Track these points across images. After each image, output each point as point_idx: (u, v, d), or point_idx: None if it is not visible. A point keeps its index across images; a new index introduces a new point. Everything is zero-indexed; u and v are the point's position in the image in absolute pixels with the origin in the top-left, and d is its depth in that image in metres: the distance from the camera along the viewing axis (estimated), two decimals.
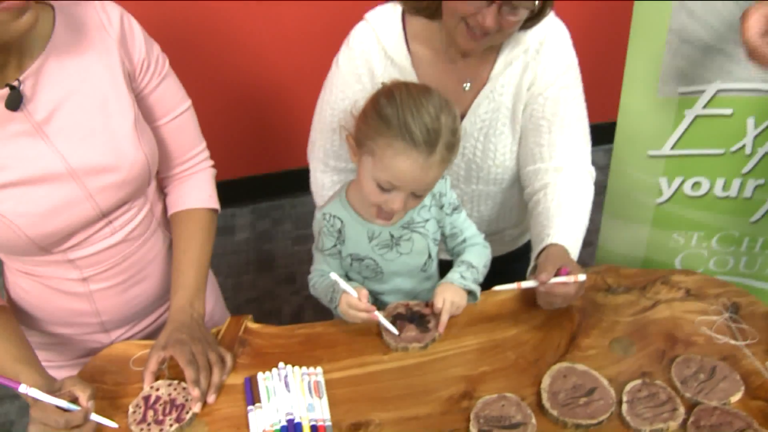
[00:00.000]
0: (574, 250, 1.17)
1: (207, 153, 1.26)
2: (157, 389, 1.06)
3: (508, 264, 1.46)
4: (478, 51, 1.21)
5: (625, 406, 0.95)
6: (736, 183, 1.56)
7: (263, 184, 2.67)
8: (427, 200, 1.18)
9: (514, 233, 1.51)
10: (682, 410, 0.94)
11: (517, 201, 1.42)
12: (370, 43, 1.25)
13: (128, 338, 1.25)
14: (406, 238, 1.17)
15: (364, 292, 1.10)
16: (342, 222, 1.16)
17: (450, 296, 1.12)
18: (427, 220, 1.19)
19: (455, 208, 1.22)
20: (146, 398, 1.05)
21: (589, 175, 1.30)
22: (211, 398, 1.04)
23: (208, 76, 2.32)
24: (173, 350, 1.04)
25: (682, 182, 1.58)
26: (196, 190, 1.24)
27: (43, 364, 1.18)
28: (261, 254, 2.46)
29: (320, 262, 1.22)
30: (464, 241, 1.23)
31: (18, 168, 0.97)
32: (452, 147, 1.04)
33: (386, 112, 1.01)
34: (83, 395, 0.97)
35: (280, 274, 2.33)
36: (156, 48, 1.12)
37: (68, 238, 1.06)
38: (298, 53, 2.41)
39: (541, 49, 1.24)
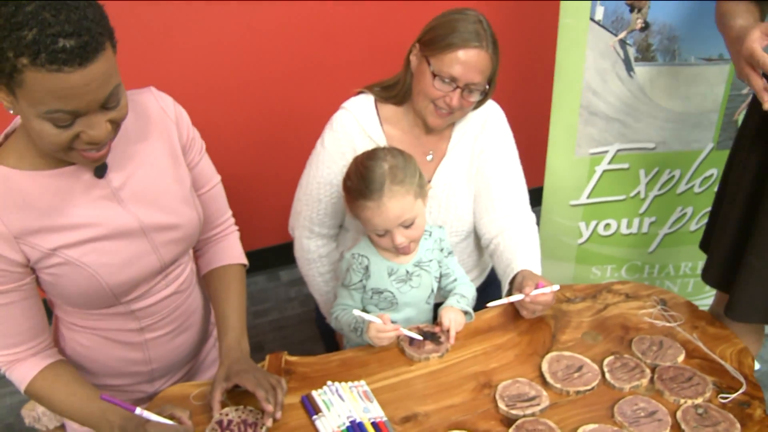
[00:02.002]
0: (538, 273, 1.49)
1: (233, 219, 1.47)
2: (227, 414, 1.21)
3: None
4: (443, 126, 1.53)
5: (607, 375, 1.26)
6: (636, 222, 1.98)
7: None
8: (431, 244, 1.45)
9: (471, 276, 1.76)
10: (648, 371, 1.26)
11: (472, 249, 1.71)
12: (352, 126, 1.53)
13: (169, 386, 1.39)
14: (417, 274, 1.43)
15: (387, 316, 1.34)
16: (369, 260, 1.41)
17: (453, 315, 1.38)
18: (431, 260, 1.45)
19: (450, 253, 1.50)
20: (219, 422, 1.19)
21: (532, 217, 1.62)
22: (278, 414, 1.18)
23: None
24: (238, 379, 1.20)
25: (597, 224, 1.97)
26: (230, 249, 1.43)
27: None
28: None
29: (345, 297, 1.45)
30: (455, 280, 1.49)
31: (101, 226, 1.13)
32: (401, 182, 1.30)
33: (347, 186, 1.37)
34: (184, 415, 1.12)
35: (249, 344, 2.44)
36: (196, 130, 1.34)
37: (135, 288, 1.22)
38: (242, 158, 2.68)
39: (485, 124, 1.58)
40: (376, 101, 1.56)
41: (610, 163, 1.85)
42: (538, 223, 1.63)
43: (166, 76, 2.34)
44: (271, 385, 1.20)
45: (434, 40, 1.41)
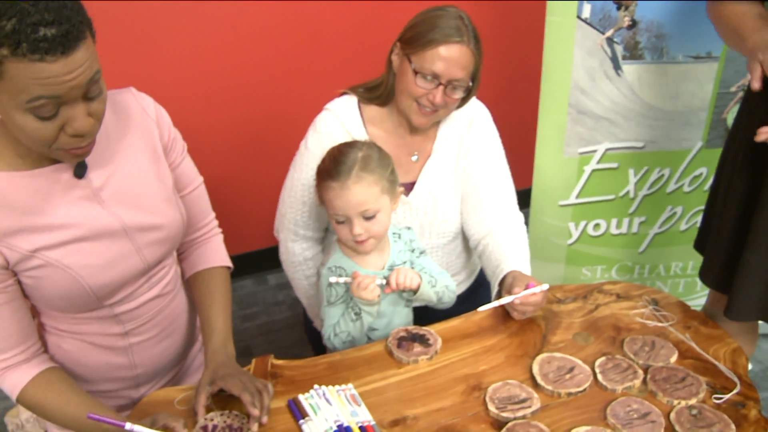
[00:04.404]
0: (527, 273, 1.47)
1: (216, 221, 1.45)
2: (212, 419, 1.18)
3: (459, 304, 1.69)
4: (427, 125, 1.51)
5: (599, 376, 1.24)
6: (625, 222, 1.97)
7: None
8: (402, 246, 1.45)
9: (460, 278, 1.77)
10: (640, 372, 1.24)
11: (461, 250, 1.70)
12: (336, 127, 1.52)
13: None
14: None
15: (355, 271, 1.34)
16: (345, 270, 1.39)
17: (402, 269, 1.37)
18: (404, 262, 1.44)
19: (422, 252, 1.49)
20: (204, 428, 1.16)
21: (519, 217, 1.61)
22: (264, 419, 1.16)
23: None
24: (223, 383, 1.17)
25: (586, 225, 1.97)
26: (213, 252, 1.41)
27: None
28: None
29: (333, 316, 1.42)
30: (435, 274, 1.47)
31: (81, 226, 1.11)
32: (371, 171, 1.31)
33: (319, 168, 1.37)
34: (178, 425, 1.07)
35: (237, 348, 2.39)
36: (178, 131, 1.32)
37: (118, 291, 1.19)
38: (227, 161, 2.65)
39: (471, 124, 1.57)
40: (359, 102, 1.55)
41: (599, 162, 1.84)
42: (527, 224, 1.62)
43: (151, 78, 2.31)
44: (257, 389, 1.18)
45: (415, 38, 1.40)
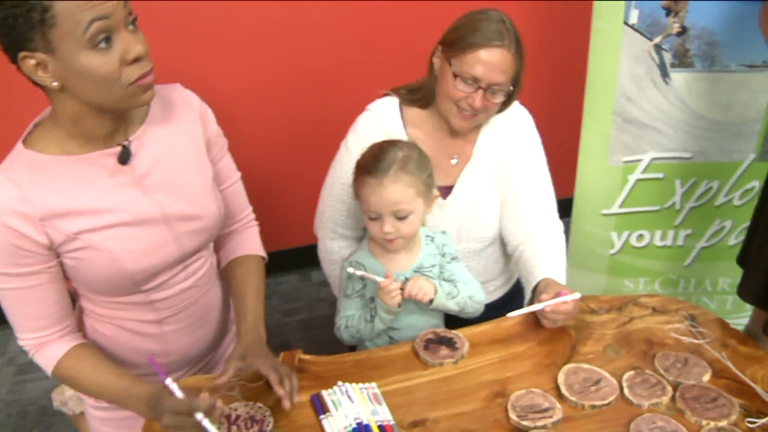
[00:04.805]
0: (561, 282, 1.44)
1: (254, 215, 1.49)
2: (236, 409, 1.21)
3: (495, 310, 1.70)
4: (468, 129, 1.51)
5: (626, 390, 1.21)
6: (671, 234, 1.92)
7: None
8: (433, 249, 1.45)
9: (497, 284, 1.76)
10: (669, 389, 1.21)
11: (498, 256, 1.69)
12: (376, 128, 1.53)
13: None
14: None
15: (390, 273, 1.34)
16: (365, 268, 1.41)
17: (418, 280, 1.36)
18: (433, 266, 1.44)
19: (453, 258, 1.48)
20: (228, 416, 1.20)
21: (559, 226, 1.58)
22: (287, 404, 1.16)
23: None
24: (254, 360, 1.20)
25: (629, 235, 1.92)
26: (249, 241, 1.45)
27: (105, 404, 1.36)
28: None
29: (348, 307, 1.45)
30: (461, 284, 1.46)
31: (123, 212, 1.16)
32: (409, 172, 1.32)
33: (358, 163, 1.39)
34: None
35: (275, 342, 2.48)
36: (220, 128, 1.36)
37: (155, 277, 1.24)
38: (274, 157, 2.70)
39: (513, 129, 1.55)
40: (401, 104, 1.55)
41: (644, 172, 1.79)
42: (568, 232, 1.60)
43: (203, 73, 2.38)
44: (286, 372, 1.21)
45: (456, 41, 1.40)
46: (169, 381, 1.07)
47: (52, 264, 1.14)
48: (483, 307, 1.49)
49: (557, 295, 1.32)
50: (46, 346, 1.19)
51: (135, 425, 1.21)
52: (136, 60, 1.03)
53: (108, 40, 0.99)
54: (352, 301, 1.46)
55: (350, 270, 1.37)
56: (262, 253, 1.46)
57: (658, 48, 1.68)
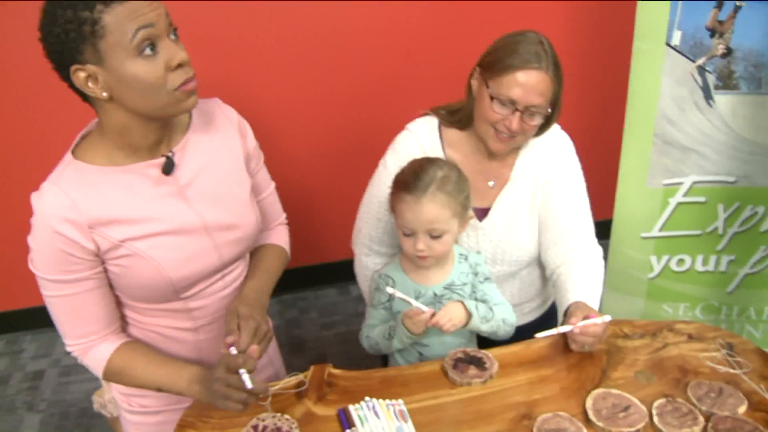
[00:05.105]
0: (595, 308, 1.41)
1: (287, 220, 1.53)
2: (263, 420, 1.24)
3: (528, 332, 1.69)
4: (505, 152, 1.50)
5: (656, 418, 1.19)
6: (713, 259, 1.87)
7: (287, 279, 2.90)
8: (466, 269, 1.45)
9: (532, 306, 1.74)
10: (701, 419, 1.18)
11: (534, 279, 1.67)
12: (414, 148, 1.54)
13: None
14: (447, 297, 1.42)
15: (419, 305, 1.34)
16: (394, 281, 1.42)
17: (451, 309, 1.36)
18: (464, 284, 1.44)
19: (486, 278, 1.47)
20: (254, 427, 1.22)
21: (597, 251, 1.56)
22: (233, 350, 1.15)
23: None
24: (247, 315, 1.21)
25: (669, 259, 1.88)
26: (276, 236, 1.50)
27: (141, 409, 1.39)
28: (292, 338, 2.67)
29: (373, 317, 1.48)
30: (495, 305, 1.45)
31: (166, 221, 1.20)
32: (447, 193, 1.32)
33: (397, 177, 1.40)
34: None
35: (312, 355, 2.53)
36: (257, 142, 1.40)
37: (194, 285, 1.28)
38: (317, 171, 2.75)
39: (552, 155, 1.54)
40: (440, 124, 1.56)
41: (685, 195, 1.76)
42: (606, 255, 1.57)
43: (245, 90, 2.44)
44: (262, 335, 1.22)
45: (493, 63, 1.40)
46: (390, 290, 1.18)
47: (99, 270, 1.19)
48: (514, 330, 1.48)
49: (586, 317, 1.31)
50: (94, 347, 1.24)
51: (167, 430, 1.25)
52: (180, 66, 1.08)
53: (153, 47, 1.05)
54: (377, 311, 1.47)
55: (389, 291, 1.37)
56: (286, 248, 1.50)
57: (701, 69, 1.65)
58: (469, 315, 1.39)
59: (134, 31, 1.02)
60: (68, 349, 1.25)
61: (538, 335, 1.34)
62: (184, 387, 1.20)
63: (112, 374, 1.26)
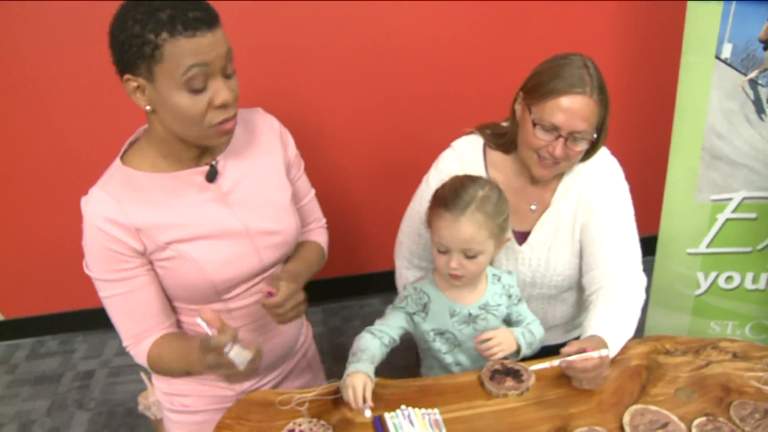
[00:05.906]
0: (614, 343, 1.31)
1: (326, 224, 1.57)
2: (300, 424, 1.25)
3: None
4: (548, 178, 1.47)
5: None
6: (764, 277, 1.81)
7: (332, 287, 2.95)
8: (499, 289, 1.42)
9: (567, 327, 1.71)
10: None
11: (575, 300, 1.63)
12: (457, 167, 1.52)
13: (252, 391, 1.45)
14: (482, 318, 1.40)
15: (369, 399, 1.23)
16: (429, 298, 1.41)
17: (503, 335, 1.35)
18: (499, 305, 1.42)
19: (519, 300, 1.45)
20: (291, 431, 1.25)
21: (638, 281, 1.44)
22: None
23: None
24: (284, 281, 1.23)
25: (717, 276, 1.83)
26: (315, 235, 1.54)
27: (183, 408, 1.43)
28: (335, 347, 2.70)
29: (387, 317, 1.44)
30: (528, 325, 1.44)
31: (209, 225, 1.25)
32: (486, 213, 1.28)
33: (437, 193, 1.35)
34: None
35: None
36: (298, 150, 1.44)
37: (236, 287, 1.32)
38: (366, 184, 2.78)
39: (594, 179, 1.49)
40: (485, 145, 1.54)
41: (734, 211, 1.71)
42: (651, 271, 1.51)
43: (296, 103, 2.49)
44: (293, 296, 1.24)
45: (536, 87, 1.37)
46: (199, 320, 1.11)
47: (149, 268, 1.25)
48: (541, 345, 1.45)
49: (582, 350, 1.22)
50: (143, 341, 1.29)
51: (206, 429, 1.29)
52: (223, 106, 1.12)
53: (202, 84, 1.09)
54: (395, 312, 1.44)
55: (368, 413, 1.23)
56: (325, 246, 1.53)
57: (753, 83, 1.61)
58: (519, 347, 1.37)
59: (188, 66, 1.06)
60: (124, 344, 1.30)
61: (532, 368, 1.29)
62: (198, 365, 1.20)
63: (152, 365, 1.31)
